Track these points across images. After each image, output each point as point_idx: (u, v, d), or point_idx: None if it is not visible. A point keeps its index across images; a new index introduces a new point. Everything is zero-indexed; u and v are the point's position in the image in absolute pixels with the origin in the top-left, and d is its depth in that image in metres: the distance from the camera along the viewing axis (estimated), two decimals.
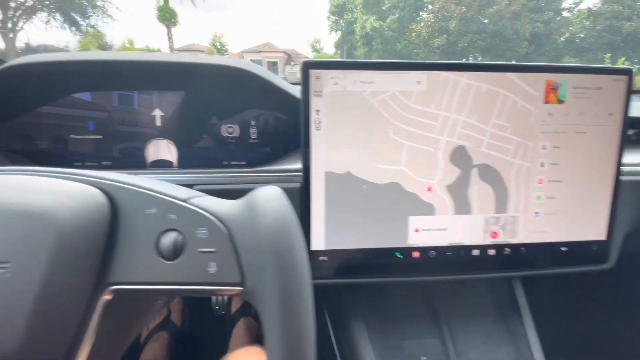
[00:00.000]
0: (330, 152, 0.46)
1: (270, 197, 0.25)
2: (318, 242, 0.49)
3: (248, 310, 0.96)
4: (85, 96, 0.53)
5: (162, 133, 0.55)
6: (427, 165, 0.48)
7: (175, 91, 0.54)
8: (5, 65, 0.48)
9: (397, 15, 19.02)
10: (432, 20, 17.18)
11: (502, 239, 0.52)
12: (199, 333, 1.04)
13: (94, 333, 0.25)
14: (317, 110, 0.45)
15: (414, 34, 18.26)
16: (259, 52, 22.78)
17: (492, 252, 0.52)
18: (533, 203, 0.51)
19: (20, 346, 0.21)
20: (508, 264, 0.53)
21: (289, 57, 24.26)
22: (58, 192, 0.24)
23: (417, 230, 0.49)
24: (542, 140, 0.50)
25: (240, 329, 0.92)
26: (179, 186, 0.28)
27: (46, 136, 0.54)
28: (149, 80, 0.53)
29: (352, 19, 23.06)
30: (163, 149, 0.55)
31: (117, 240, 0.25)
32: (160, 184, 0.27)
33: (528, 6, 16.20)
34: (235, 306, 0.98)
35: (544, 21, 16.39)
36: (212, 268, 0.24)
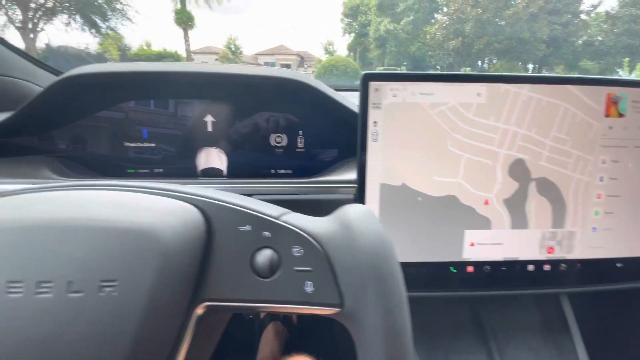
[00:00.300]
0: (386, 163, 0.46)
1: (364, 217, 0.25)
2: None
3: (277, 314, 0.95)
4: (140, 105, 0.54)
5: (213, 142, 0.55)
6: (484, 178, 0.47)
7: (227, 101, 0.54)
8: (65, 75, 0.50)
9: (411, 17, 18.92)
10: (448, 22, 17.01)
11: (558, 254, 0.50)
12: (228, 336, 1.04)
13: (186, 348, 0.25)
14: (375, 122, 0.45)
15: (428, 36, 18.11)
16: (273, 54, 22.97)
17: (547, 267, 0.51)
18: (591, 218, 0.50)
19: None
20: (562, 279, 0.52)
21: (302, 59, 24.38)
22: (159, 209, 0.24)
23: (472, 244, 0.49)
24: (602, 154, 0.48)
25: (269, 332, 0.92)
26: (269, 204, 0.28)
27: (101, 143, 0.55)
28: (202, 90, 0.54)
29: (366, 22, 23.03)
30: (214, 158, 0.56)
31: (212, 257, 0.25)
32: (252, 201, 0.27)
33: (546, 8, 15.89)
34: None
35: (561, 23, 16.05)
36: (309, 287, 0.24)
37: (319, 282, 0.24)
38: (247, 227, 0.25)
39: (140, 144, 0.55)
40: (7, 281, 0.22)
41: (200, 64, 0.53)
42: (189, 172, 0.56)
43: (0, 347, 0.22)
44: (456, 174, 0.47)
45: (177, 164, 0.56)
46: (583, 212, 0.49)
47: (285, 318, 0.97)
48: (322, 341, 0.98)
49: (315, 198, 0.51)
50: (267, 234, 0.25)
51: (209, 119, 0.55)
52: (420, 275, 0.49)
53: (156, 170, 0.56)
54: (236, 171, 0.56)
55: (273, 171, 0.57)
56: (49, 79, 0.70)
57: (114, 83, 0.53)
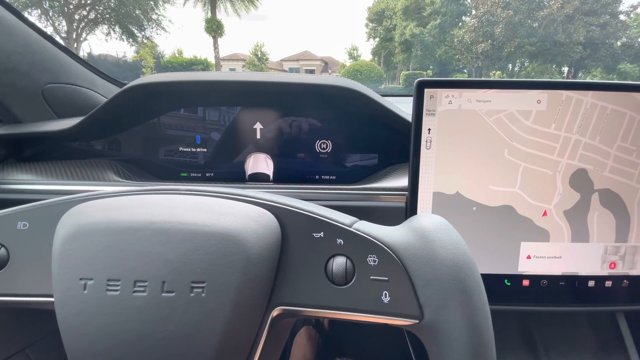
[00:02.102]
0: (439, 171, 0.46)
1: (441, 227, 0.24)
2: None
3: (309, 319, 0.95)
4: (194, 112, 0.57)
5: (261, 148, 0.57)
6: (543, 188, 0.45)
7: (275, 109, 0.56)
8: (132, 84, 0.53)
9: (438, 20, 18.61)
10: (476, 25, 16.59)
11: (620, 270, 0.47)
12: (340, 338, 1.04)
13: (261, 349, 0.25)
14: (429, 129, 0.45)
15: (456, 40, 17.73)
16: (297, 60, 23.30)
17: (609, 283, 0.48)
18: None
19: None
20: (624, 296, 0.49)
21: (326, 64, 24.55)
22: (243, 215, 0.25)
23: (529, 257, 0.47)
24: None
25: (301, 337, 0.93)
26: (340, 212, 0.28)
27: (158, 148, 0.58)
28: (254, 98, 0.56)
29: (391, 26, 22.89)
30: (261, 163, 0.57)
31: (287, 262, 0.26)
32: (323, 208, 0.28)
33: (582, 9, 15.16)
34: None
35: (599, 25, 15.22)
36: (386, 297, 0.24)
37: (396, 292, 0.24)
38: (320, 234, 0.26)
39: (193, 149, 0.57)
40: (107, 279, 0.23)
41: (255, 73, 0.54)
42: (238, 177, 0.57)
43: (98, 342, 0.23)
44: (513, 184, 0.45)
45: (227, 169, 0.58)
46: None
47: (317, 323, 0.97)
48: (353, 347, 0.97)
49: (363, 205, 0.51)
50: (340, 241, 0.25)
51: (257, 125, 0.56)
52: None
53: (207, 174, 0.58)
54: (282, 176, 0.57)
55: (317, 177, 0.58)
56: (106, 87, 0.74)
57: (173, 91, 0.55)
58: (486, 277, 0.47)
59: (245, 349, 0.24)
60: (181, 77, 0.53)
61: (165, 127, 0.57)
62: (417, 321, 0.23)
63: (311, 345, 0.91)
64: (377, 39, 25.25)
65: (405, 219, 0.48)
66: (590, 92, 0.44)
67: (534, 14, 15.38)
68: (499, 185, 0.45)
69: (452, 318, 0.22)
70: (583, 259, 0.47)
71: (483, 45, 16.24)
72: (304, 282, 0.26)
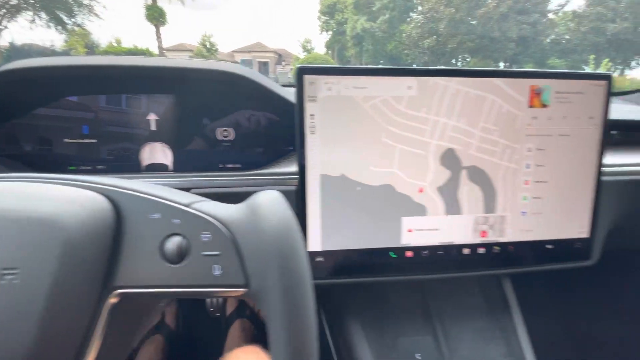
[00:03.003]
0: (325, 155, 0.48)
1: (271, 201, 0.26)
2: (314, 244, 0.50)
3: (243, 311, 0.96)
4: (79, 100, 0.53)
5: (157, 136, 0.55)
6: (418, 167, 0.49)
7: (168, 95, 0.54)
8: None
9: (387, 15, 19.17)
10: (422, 21, 17.37)
11: (491, 238, 0.54)
12: (194, 335, 1.04)
13: (100, 337, 0.25)
14: (312, 115, 0.46)
15: (404, 35, 18.43)
16: (250, 52, 22.68)
17: (481, 250, 0.54)
18: (520, 203, 0.53)
19: (29, 351, 0.22)
20: (497, 262, 0.55)
21: (280, 57, 24.22)
22: (63, 199, 0.25)
23: (410, 231, 0.51)
24: (528, 142, 0.52)
25: (235, 330, 0.93)
26: (181, 191, 0.28)
27: (40, 140, 0.53)
28: (143, 84, 0.54)
29: (343, 20, 23.14)
30: (158, 153, 0.55)
31: (122, 245, 0.26)
32: (163, 189, 0.28)
33: (515, 8, 16.50)
34: (230, 308, 0.98)
35: (530, 23, 16.71)
36: (217, 271, 0.25)
37: (226, 265, 0.25)
38: (157, 215, 0.26)
39: (80, 141, 0.54)
40: None
41: (141, 58, 0.52)
42: (133, 168, 0.55)
43: None
44: (391, 164, 0.49)
45: (121, 160, 0.55)
46: (512, 198, 0.53)
47: (252, 314, 0.97)
48: (203, 341, 1.00)
49: (262, 190, 0.52)
50: (176, 221, 0.26)
51: (151, 114, 0.54)
52: (362, 261, 0.51)
53: (99, 167, 0.55)
54: (183, 167, 0.56)
55: (221, 165, 0.57)
56: None
57: (51, 78, 0.51)
58: (373, 251, 0.51)
59: (76, 337, 0.24)
60: (57, 62, 0.49)
61: (48, 117, 0.53)
62: (246, 290, 0.25)
63: (245, 337, 0.92)
64: (330, 32, 25.42)
65: (296, 202, 0.50)
66: (454, 79, 0.48)
67: (473, 12, 16.47)
68: (378, 166, 0.49)
69: (270, 283, 0.24)
70: (457, 229, 0.52)
71: (429, 40, 17.08)
72: (140, 264, 0.26)
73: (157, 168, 0.56)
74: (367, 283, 0.54)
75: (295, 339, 0.23)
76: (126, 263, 0.25)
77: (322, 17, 25.67)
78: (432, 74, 0.47)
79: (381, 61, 20.83)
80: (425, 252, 0.52)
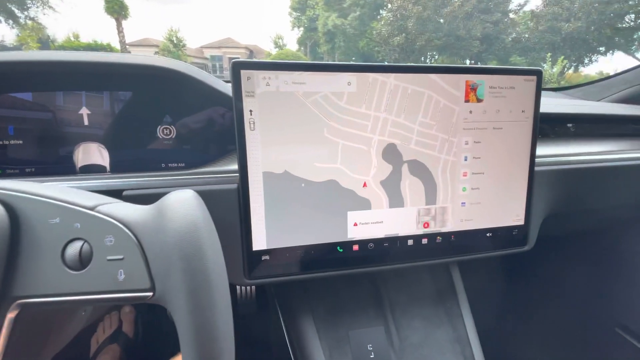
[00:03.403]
0: (266, 152, 0.47)
1: (179, 202, 0.25)
2: (259, 242, 0.49)
3: (117, 337, 0.91)
4: (3, 99, 0.49)
5: (92, 136, 0.52)
6: (361, 162, 0.50)
7: (103, 92, 0.51)
8: None
9: (357, 12, 19.32)
10: (392, 18, 17.66)
11: (433, 228, 0.56)
12: (153, 344, 1.01)
13: (2, 350, 0.24)
14: (251, 111, 0.46)
15: (374, 32, 18.66)
16: (219, 47, 22.08)
17: (425, 241, 0.56)
18: (459, 194, 0.55)
19: None
20: (440, 251, 0.57)
21: (251, 53, 23.78)
22: None
23: (355, 225, 0.52)
24: (465, 136, 0.54)
25: (105, 356, 0.87)
26: (89, 193, 0.27)
27: None
28: (75, 80, 0.51)
29: (314, 16, 23.07)
30: (94, 153, 0.52)
31: (20, 253, 0.24)
32: (67, 191, 0.26)
33: (479, 7, 17.16)
34: (105, 333, 0.92)
35: (493, 22, 17.46)
36: (121, 275, 0.24)
37: (130, 269, 0.24)
38: (57, 220, 0.24)
39: (5, 142, 0.50)
40: None
41: (69, 53, 0.49)
42: (67, 170, 0.52)
43: None
44: (335, 160, 0.49)
45: (52, 162, 0.52)
46: (452, 189, 0.55)
47: (127, 340, 0.92)
48: (164, 349, 0.97)
49: (204, 189, 0.50)
50: (77, 225, 0.24)
51: (84, 111, 0.51)
52: (310, 257, 0.51)
53: (27, 170, 0.51)
54: (122, 168, 0.54)
55: (164, 165, 0.55)
56: None
57: None
58: (320, 247, 0.51)
59: None
60: None
61: None
62: (151, 294, 0.24)
63: None
64: (302, 29, 25.27)
65: (238, 200, 0.50)
66: (392, 75, 0.49)
67: (440, 11, 16.96)
68: (322, 162, 0.49)
69: (173, 285, 0.23)
70: (401, 221, 0.54)
71: (398, 38, 17.41)
72: (40, 271, 0.24)
73: (93, 170, 0.53)
74: (317, 278, 0.54)
75: (202, 340, 0.22)
76: (25, 271, 0.24)
77: (294, 13, 25.46)
78: (370, 70, 0.48)
79: (353, 58, 20.98)
80: (371, 244, 0.53)
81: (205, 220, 0.25)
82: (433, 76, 0.51)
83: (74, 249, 0.24)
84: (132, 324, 1.00)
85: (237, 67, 0.44)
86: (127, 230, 0.24)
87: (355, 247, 0.53)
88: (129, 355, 0.92)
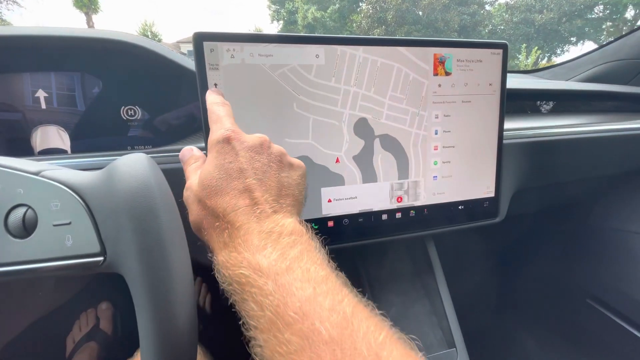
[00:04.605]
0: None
1: (129, 163, 0.24)
2: None
3: (94, 335, 0.89)
4: None
5: (51, 120, 0.50)
6: (333, 137, 0.50)
7: (59, 72, 0.49)
8: None
9: (337, 5, 19.22)
10: (371, 11, 17.67)
11: (406, 202, 0.56)
12: (133, 340, 0.98)
13: None
14: (215, 84, 0.44)
15: (354, 25, 18.63)
16: None
17: (399, 215, 0.56)
18: (431, 168, 0.56)
19: None
20: (414, 225, 0.58)
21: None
22: None
23: (330, 201, 0.52)
24: (435, 109, 0.54)
25: (82, 355, 0.85)
26: (32, 161, 0.25)
27: None
28: (27, 59, 0.48)
29: (294, 9, 22.80)
30: (53, 136, 0.50)
31: None
32: (9, 159, 0.25)
33: None
34: (81, 331, 0.89)
35: (469, 14, 17.75)
36: (69, 241, 0.23)
37: (78, 233, 0.23)
38: None
39: None
40: None
41: (14, 27, 0.46)
42: (25, 154, 0.49)
43: None
44: (306, 135, 0.49)
45: (8, 147, 0.49)
46: (424, 163, 0.55)
47: (104, 337, 0.90)
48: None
49: (169, 167, 0.49)
50: (20, 190, 0.23)
51: (41, 93, 0.49)
52: None
53: None
54: (85, 151, 0.51)
55: (129, 147, 0.53)
56: None
57: None
58: None
59: None
60: None
61: None
62: (102, 258, 0.23)
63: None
64: (282, 22, 24.93)
65: None
66: (361, 47, 0.49)
67: (418, 3, 17.10)
68: (293, 138, 0.48)
69: (125, 247, 0.22)
70: (374, 196, 0.54)
71: (378, 30, 17.46)
72: None
73: (53, 152, 0.50)
74: None
75: (156, 302, 0.22)
76: None
77: (272, 6, 25.07)
78: (338, 42, 0.48)
79: None
80: (346, 220, 0.53)
81: (157, 180, 0.24)
82: (402, 49, 0.51)
83: (17, 216, 0.22)
84: (110, 321, 0.97)
85: (200, 39, 0.43)
86: (73, 194, 0.23)
87: (330, 224, 0.53)
88: (107, 352, 0.89)
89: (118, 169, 0.24)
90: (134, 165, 0.24)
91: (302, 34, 0.46)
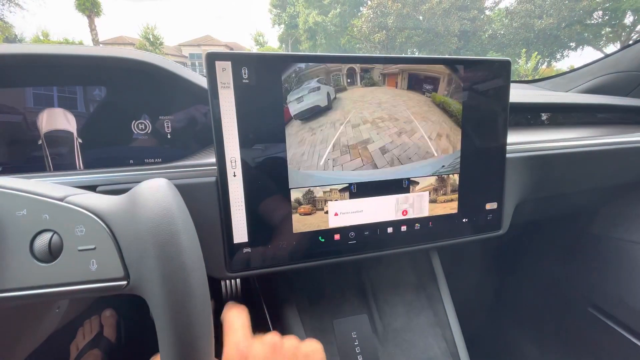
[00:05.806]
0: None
1: (151, 189, 0.25)
2: (240, 235, 0.49)
3: (98, 342, 0.89)
4: None
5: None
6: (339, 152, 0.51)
7: (75, 88, 0.50)
8: None
9: (338, 10, 19.34)
10: (372, 15, 17.78)
11: (411, 215, 0.57)
12: (137, 348, 0.99)
13: None
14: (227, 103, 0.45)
15: (355, 29, 18.74)
16: (198, 45, 21.65)
17: (404, 228, 0.57)
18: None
19: None
20: (419, 237, 0.59)
21: (231, 50, 23.42)
22: None
23: (336, 214, 0.52)
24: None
25: None
26: (57, 185, 0.26)
27: None
28: (43, 76, 0.49)
29: (295, 13, 22.94)
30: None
31: None
32: (35, 184, 0.26)
33: (456, 4, 17.51)
34: (85, 339, 0.90)
35: (470, 19, 17.86)
36: (94, 265, 0.24)
37: (103, 258, 0.24)
38: (23, 211, 0.24)
39: None
40: None
41: (39, 46, 0.47)
42: (38, 169, 0.50)
43: None
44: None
45: (23, 160, 0.50)
46: (429, 177, 0.56)
47: (108, 344, 0.91)
48: (147, 353, 0.97)
49: (180, 183, 0.50)
50: (45, 216, 0.24)
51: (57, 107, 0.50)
52: (292, 248, 0.51)
53: None
54: (96, 166, 0.52)
55: (139, 161, 0.54)
56: None
57: None
58: (303, 236, 0.52)
59: None
60: None
61: None
62: (126, 282, 0.24)
63: None
64: (283, 26, 25.09)
65: (217, 193, 0.49)
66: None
67: (419, 7, 17.21)
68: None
69: (148, 272, 0.23)
70: (380, 210, 0.55)
71: (379, 35, 17.58)
72: (8, 265, 0.23)
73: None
74: (300, 269, 0.54)
75: (178, 325, 0.22)
76: None
77: (274, 10, 25.23)
78: (352, 62, 0.49)
79: None
80: (352, 233, 0.54)
81: (178, 206, 0.25)
82: (410, 66, 0.52)
83: (42, 241, 0.23)
84: (114, 328, 0.98)
85: (212, 58, 0.44)
86: (98, 220, 0.24)
87: (337, 236, 0.53)
88: (111, 359, 0.89)
89: (141, 195, 0.25)
90: (156, 192, 0.25)
91: (314, 54, 0.47)
